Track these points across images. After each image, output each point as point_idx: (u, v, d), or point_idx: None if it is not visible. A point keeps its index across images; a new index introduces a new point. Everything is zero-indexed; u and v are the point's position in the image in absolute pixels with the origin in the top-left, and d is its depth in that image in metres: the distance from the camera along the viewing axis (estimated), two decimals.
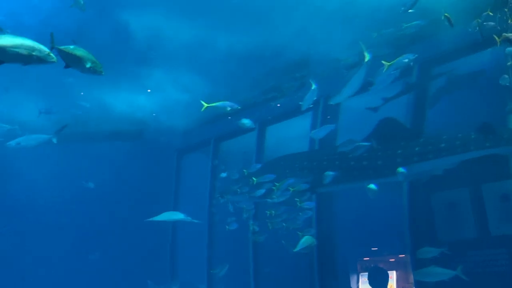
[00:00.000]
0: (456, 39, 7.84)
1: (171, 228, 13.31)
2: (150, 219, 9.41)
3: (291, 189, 8.43)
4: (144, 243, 12.90)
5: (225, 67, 10.18)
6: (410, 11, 6.89)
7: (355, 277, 11.02)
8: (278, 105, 11.32)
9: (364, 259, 11.21)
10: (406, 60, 6.66)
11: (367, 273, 9.88)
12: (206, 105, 7.72)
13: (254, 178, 8.85)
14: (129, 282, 12.81)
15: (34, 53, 4.62)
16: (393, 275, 10.59)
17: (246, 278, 11.54)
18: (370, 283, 8.80)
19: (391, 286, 10.43)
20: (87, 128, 12.79)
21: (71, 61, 4.92)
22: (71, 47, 4.95)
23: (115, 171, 12.77)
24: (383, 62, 6.65)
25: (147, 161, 13.39)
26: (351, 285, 10.90)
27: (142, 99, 11.66)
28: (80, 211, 13.01)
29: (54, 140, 9.60)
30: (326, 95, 10.14)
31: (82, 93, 11.26)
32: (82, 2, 7.71)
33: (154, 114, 12.00)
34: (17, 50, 4.55)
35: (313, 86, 7.56)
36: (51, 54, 4.66)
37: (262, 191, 8.86)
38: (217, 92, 11.10)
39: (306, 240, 8.07)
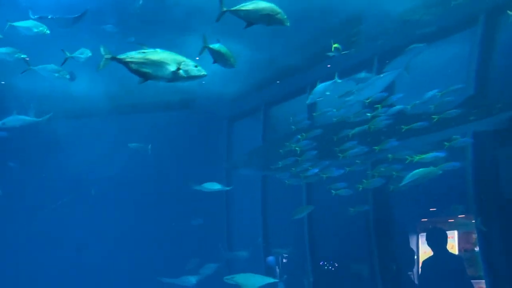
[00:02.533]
0: None
1: (225, 195, 13.49)
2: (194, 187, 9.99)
3: None
4: (199, 211, 13.16)
5: (271, 31, 9.89)
6: None
7: (414, 238, 10.82)
8: (329, 65, 10.98)
9: (422, 220, 10.97)
10: None
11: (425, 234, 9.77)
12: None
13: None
14: (186, 251, 13.20)
15: (277, 16, 5.37)
16: (454, 236, 10.32)
17: (301, 241, 11.61)
18: (429, 244, 8.66)
19: (452, 246, 10.19)
20: (139, 99, 12.98)
21: (218, 58, 5.91)
22: (217, 45, 5.89)
23: (169, 141, 12.97)
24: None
25: (199, 130, 13.53)
26: (411, 246, 10.73)
27: None
28: (136, 181, 13.38)
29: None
30: (380, 53, 9.78)
31: None
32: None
33: (203, 82, 11.97)
34: (261, 13, 5.35)
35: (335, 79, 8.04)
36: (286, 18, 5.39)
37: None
38: (264, 58, 10.94)
39: (416, 173, 7.33)
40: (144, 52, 4.86)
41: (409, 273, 10.42)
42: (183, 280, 11.28)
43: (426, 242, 9.33)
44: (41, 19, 8.49)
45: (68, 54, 7.92)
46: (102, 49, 4.93)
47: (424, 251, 10.42)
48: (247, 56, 10.64)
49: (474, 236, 9.41)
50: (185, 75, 4.85)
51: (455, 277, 8.67)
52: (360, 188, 8.72)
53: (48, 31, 8.07)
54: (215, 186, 10.49)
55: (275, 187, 12.57)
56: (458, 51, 8.84)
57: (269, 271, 12.62)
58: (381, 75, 7.67)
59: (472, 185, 8.39)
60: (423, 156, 7.70)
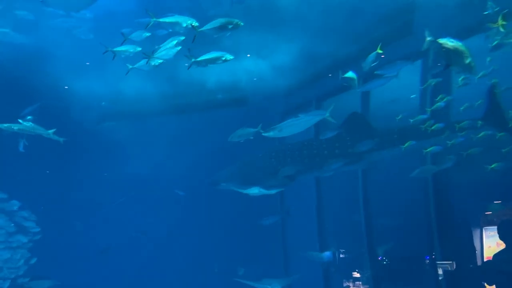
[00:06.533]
0: None
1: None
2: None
3: None
4: (255, 206, 13.27)
5: (324, 23, 9.84)
6: None
7: (477, 231, 10.43)
8: (382, 56, 10.75)
9: (486, 213, 10.55)
10: None
11: (492, 227, 9.38)
12: None
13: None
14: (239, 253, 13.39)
15: None
16: None
17: (359, 236, 11.46)
18: (502, 238, 8.25)
19: None
20: (194, 99, 13.28)
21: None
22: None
23: (224, 139, 13.18)
24: None
25: (253, 126, 13.60)
26: (474, 240, 10.35)
27: (242, 65, 11.75)
28: (192, 179, 13.69)
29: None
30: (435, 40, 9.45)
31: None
32: None
33: (255, 79, 12.07)
34: None
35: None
36: None
37: None
38: (317, 51, 10.88)
39: None
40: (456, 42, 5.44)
41: (472, 267, 10.06)
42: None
43: (498, 235, 8.85)
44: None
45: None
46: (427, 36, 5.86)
47: (489, 246, 10.03)
48: (298, 50, 10.64)
49: None
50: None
51: None
52: None
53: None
54: (254, 190, 10.42)
55: (328, 184, 12.49)
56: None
57: (325, 267, 12.57)
58: (304, 117, 7.88)
59: None
60: None
